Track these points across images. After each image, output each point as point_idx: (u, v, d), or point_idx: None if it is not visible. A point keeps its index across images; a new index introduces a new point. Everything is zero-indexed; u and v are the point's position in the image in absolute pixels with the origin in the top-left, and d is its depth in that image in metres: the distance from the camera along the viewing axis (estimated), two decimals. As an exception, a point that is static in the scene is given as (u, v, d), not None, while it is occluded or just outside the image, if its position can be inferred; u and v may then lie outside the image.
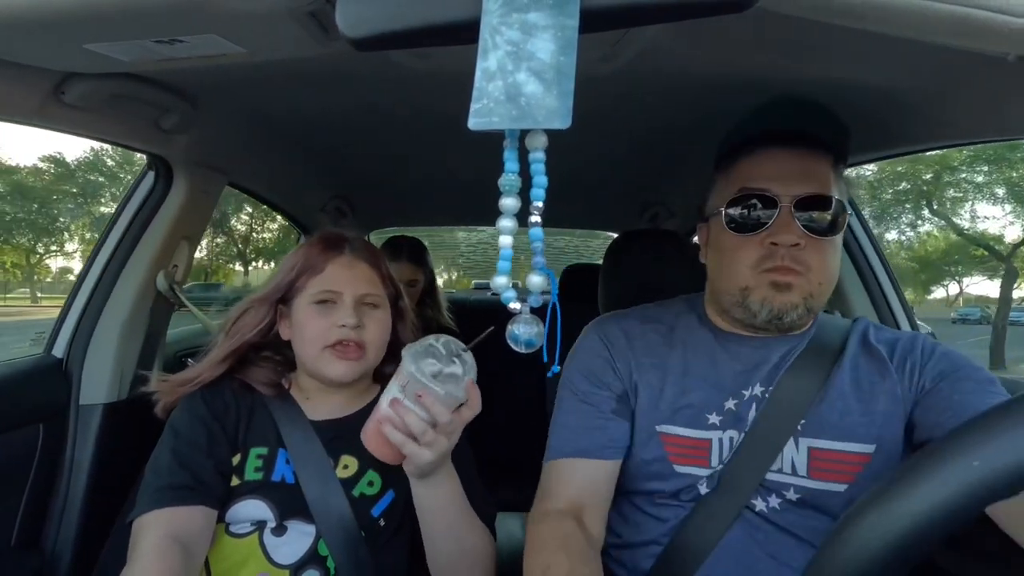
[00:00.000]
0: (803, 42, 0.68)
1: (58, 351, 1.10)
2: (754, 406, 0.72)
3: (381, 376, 0.89)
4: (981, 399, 0.64)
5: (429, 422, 0.67)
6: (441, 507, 0.74)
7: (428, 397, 0.66)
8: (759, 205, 0.69)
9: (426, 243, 1.81)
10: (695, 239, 0.85)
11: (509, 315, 0.43)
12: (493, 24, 0.31)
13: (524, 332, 0.41)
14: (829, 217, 0.69)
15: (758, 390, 0.73)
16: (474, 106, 0.31)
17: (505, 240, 0.37)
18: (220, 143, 1.12)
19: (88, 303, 1.10)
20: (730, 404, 0.73)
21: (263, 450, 0.80)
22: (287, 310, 0.84)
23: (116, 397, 1.11)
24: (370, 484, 0.81)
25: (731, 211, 0.71)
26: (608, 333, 0.82)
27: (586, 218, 2.34)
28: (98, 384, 1.09)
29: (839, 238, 0.72)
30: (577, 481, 0.74)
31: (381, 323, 0.83)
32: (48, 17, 0.51)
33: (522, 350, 0.42)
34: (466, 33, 0.33)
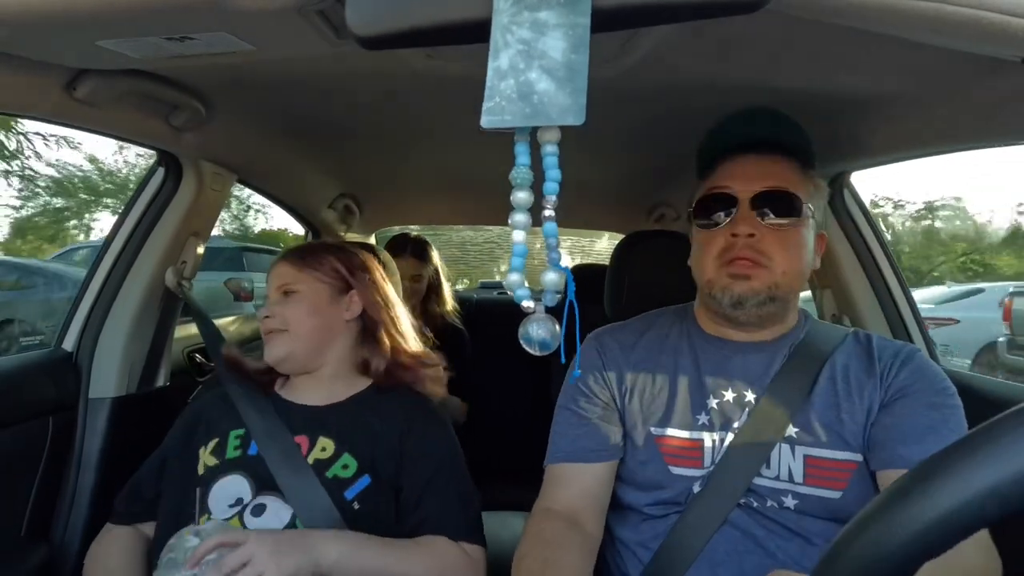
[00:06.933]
0: (812, 46, 0.68)
1: (68, 345, 1.11)
2: (746, 411, 0.74)
3: (373, 372, 0.94)
4: (917, 420, 0.68)
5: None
6: (356, 569, 0.74)
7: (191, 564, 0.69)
8: (721, 202, 0.75)
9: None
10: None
11: (516, 312, 0.39)
12: (504, 23, 0.31)
13: (538, 333, 0.37)
14: (785, 208, 0.73)
15: (751, 396, 0.75)
16: (486, 104, 0.31)
17: (518, 236, 0.35)
18: (229, 140, 1.12)
19: (98, 297, 1.11)
20: (712, 403, 0.76)
21: (241, 431, 0.87)
22: None
23: (124, 391, 1.12)
24: (344, 467, 0.83)
25: (697, 209, 0.78)
26: (603, 344, 0.85)
27: (592, 219, 2.33)
28: (107, 378, 1.10)
29: (805, 232, 0.75)
30: (570, 484, 0.78)
31: (293, 307, 0.90)
32: (61, 14, 0.51)
33: (536, 351, 0.38)
34: (477, 32, 0.33)
